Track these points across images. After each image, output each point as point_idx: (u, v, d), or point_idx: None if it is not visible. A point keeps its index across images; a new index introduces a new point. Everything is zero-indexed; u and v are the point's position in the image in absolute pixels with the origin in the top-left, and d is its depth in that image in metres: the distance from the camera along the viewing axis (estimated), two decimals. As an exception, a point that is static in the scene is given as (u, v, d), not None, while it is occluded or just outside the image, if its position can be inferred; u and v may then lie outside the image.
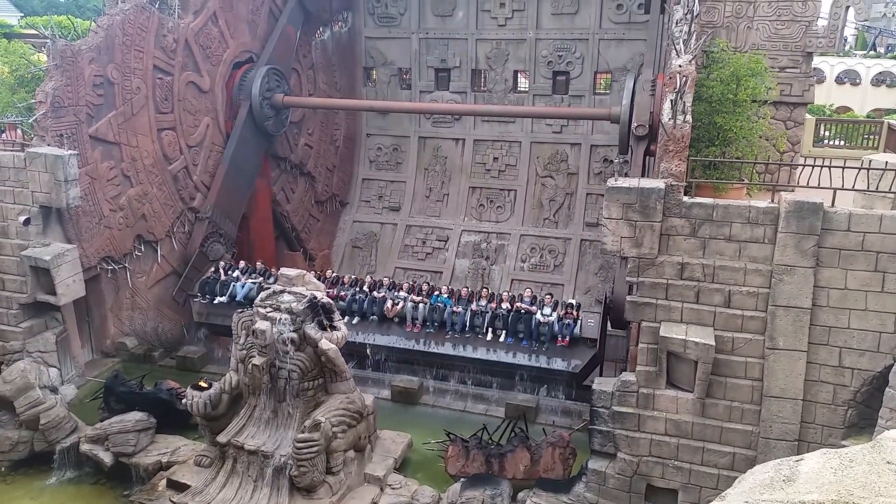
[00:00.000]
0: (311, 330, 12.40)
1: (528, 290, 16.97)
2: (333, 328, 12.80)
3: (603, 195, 13.14)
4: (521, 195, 24.16)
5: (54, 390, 15.36)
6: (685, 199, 11.86)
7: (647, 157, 16.00)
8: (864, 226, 11.10)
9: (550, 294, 16.84)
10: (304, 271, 13.81)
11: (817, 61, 33.66)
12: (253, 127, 20.25)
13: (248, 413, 13.03)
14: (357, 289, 17.60)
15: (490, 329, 16.11)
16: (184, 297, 18.71)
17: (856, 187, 12.08)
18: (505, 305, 16.30)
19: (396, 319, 16.89)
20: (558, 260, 23.11)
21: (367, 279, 18.08)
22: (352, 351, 15.28)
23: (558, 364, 15.48)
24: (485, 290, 17.34)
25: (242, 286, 17.99)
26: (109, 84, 16.41)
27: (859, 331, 11.30)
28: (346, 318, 16.53)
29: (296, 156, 22.96)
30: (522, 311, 15.97)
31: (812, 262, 11.30)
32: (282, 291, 13.02)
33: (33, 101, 15.78)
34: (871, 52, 55.18)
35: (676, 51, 13.26)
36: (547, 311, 15.82)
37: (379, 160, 25.87)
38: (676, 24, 14.08)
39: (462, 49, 24.42)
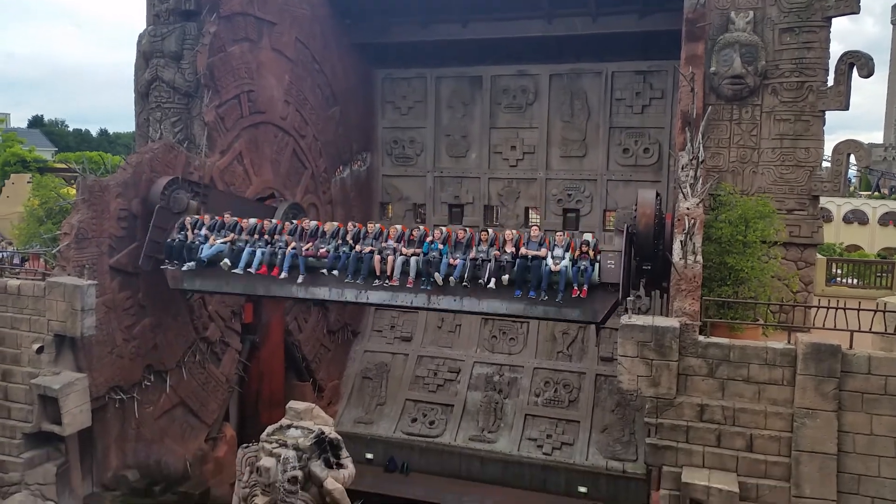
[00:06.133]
0: (317, 468, 11.97)
1: (534, 227, 14.84)
2: (340, 466, 12.37)
3: (616, 329, 13.07)
4: (533, 327, 24.03)
5: (49, 527, 14.77)
6: (701, 338, 11.78)
7: (661, 294, 16.03)
8: (885, 369, 10.91)
9: (563, 231, 14.94)
10: (313, 405, 13.54)
11: (824, 201, 34.44)
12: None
13: (248, 557, 12.31)
14: (340, 241, 15.85)
15: (494, 279, 14.20)
16: (151, 263, 16.70)
17: (873, 330, 11.97)
18: (509, 250, 14.38)
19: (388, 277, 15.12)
20: (573, 395, 22.63)
21: (350, 227, 16.08)
22: None
23: (575, 315, 14.07)
24: (484, 232, 15.13)
25: (210, 247, 16.15)
26: (133, 217, 16.93)
27: (891, 480, 10.80)
28: (330, 273, 15.34)
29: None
30: (530, 256, 14.11)
31: (834, 406, 11.01)
32: (289, 426, 12.71)
33: (58, 232, 16.26)
34: (876, 193, 56.69)
35: (683, 194, 13.63)
36: (559, 252, 14.06)
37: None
38: (682, 168, 14.58)
39: (475, 186, 25.33)
